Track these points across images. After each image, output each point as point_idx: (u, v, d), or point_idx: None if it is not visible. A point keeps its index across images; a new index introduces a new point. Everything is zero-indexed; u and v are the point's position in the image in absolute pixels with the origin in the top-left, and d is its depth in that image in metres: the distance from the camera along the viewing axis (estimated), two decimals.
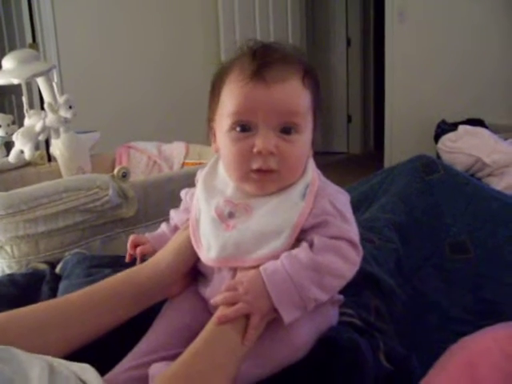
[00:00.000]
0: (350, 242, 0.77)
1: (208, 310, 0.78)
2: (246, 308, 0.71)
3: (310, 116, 0.81)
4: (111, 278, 0.87)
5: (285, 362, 0.77)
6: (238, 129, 0.77)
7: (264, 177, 0.77)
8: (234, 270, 0.79)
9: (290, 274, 0.72)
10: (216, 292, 0.77)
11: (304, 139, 0.80)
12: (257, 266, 0.75)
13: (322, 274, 0.73)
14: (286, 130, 0.77)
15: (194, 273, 0.88)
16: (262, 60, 0.77)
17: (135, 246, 0.94)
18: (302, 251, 0.74)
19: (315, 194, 0.79)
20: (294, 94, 0.78)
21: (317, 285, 0.73)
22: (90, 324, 0.81)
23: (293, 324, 0.73)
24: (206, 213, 0.83)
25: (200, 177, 0.89)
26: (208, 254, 0.80)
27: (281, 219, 0.77)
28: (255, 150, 0.76)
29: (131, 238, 0.95)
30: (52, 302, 0.88)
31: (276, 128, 0.76)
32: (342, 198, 0.81)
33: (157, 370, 0.73)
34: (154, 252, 0.91)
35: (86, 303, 0.82)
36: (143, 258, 0.93)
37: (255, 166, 0.76)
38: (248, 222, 0.78)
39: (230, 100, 0.78)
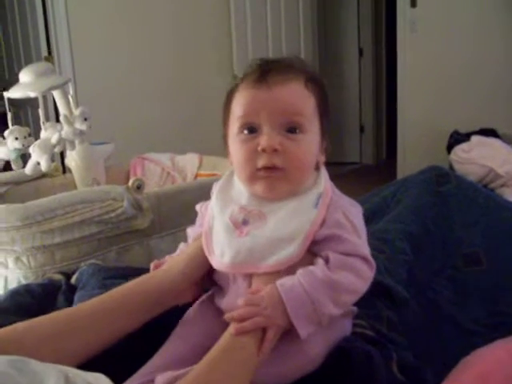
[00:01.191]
0: (364, 259, 0.78)
1: (223, 324, 0.78)
2: (264, 321, 0.72)
3: (316, 119, 0.83)
4: (123, 286, 0.89)
5: (298, 373, 0.77)
6: (245, 131, 0.81)
7: (270, 174, 0.79)
8: (249, 279, 0.80)
9: (307, 291, 0.73)
10: (232, 302, 0.78)
11: (310, 139, 0.82)
12: (270, 273, 0.77)
13: (339, 292, 0.75)
14: (291, 129, 0.80)
15: (207, 283, 0.90)
16: (267, 68, 0.82)
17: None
18: (318, 268, 0.75)
19: (328, 204, 0.80)
20: (295, 95, 0.81)
21: (332, 301, 0.74)
22: (103, 331, 0.82)
23: None
24: (220, 220, 0.84)
25: (215, 189, 0.91)
26: (222, 260, 0.81)
27: (293, 226, 0.79)
28: (259, 148, 0.79)
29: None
30: (66, 310, 0.90)
31: (281, 127, 0.79)
32: (354, 211, 0.82)
33: (162, 380, 0.74)
34: None
35: (98, 311, 0.84)
36: None
37: (260, 163, 0.79)
38: (261, 229, 0.80)
39: (237, 105, 0.83)
